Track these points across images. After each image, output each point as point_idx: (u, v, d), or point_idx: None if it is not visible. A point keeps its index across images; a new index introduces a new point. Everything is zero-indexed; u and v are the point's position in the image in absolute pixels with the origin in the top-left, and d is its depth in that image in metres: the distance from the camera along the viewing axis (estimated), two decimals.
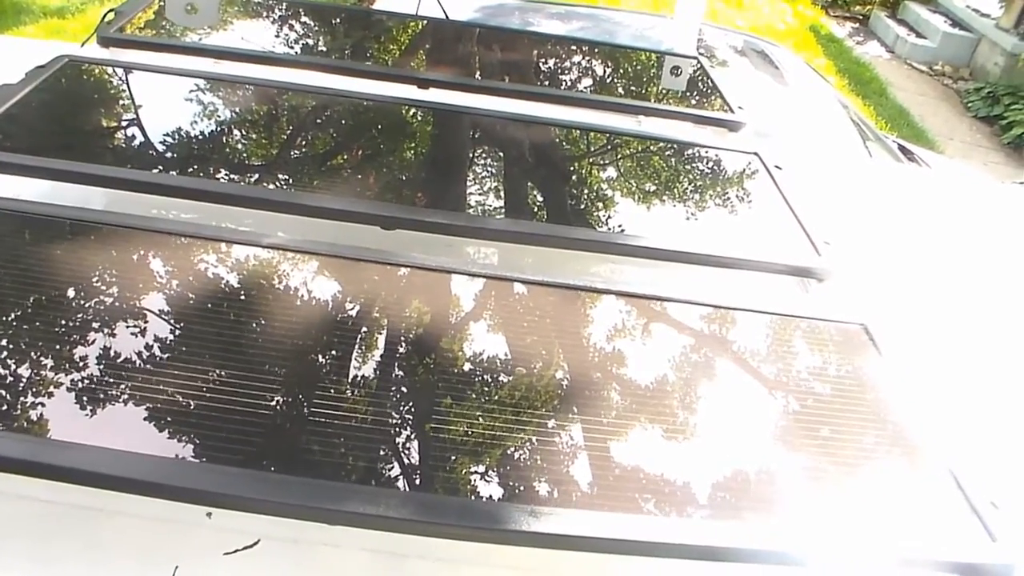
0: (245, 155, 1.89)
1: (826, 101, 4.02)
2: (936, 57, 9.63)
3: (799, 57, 4.67)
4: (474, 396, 1.28)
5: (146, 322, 1.31)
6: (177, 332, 1.32)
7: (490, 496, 1.13)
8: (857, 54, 9.72)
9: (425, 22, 3.05)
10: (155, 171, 1.73)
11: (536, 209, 1.94)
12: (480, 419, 1.24)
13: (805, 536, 1.14)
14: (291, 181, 1.81)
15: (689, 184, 2.08)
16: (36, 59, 1.99)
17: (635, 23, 4.19)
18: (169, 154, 1.81)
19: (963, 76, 9.41)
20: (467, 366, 1.35)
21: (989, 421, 1.57)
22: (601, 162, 2.17)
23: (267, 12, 2.80)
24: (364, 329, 1.40)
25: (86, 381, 1.18)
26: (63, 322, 1.28)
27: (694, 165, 2.16)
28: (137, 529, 1.12)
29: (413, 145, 2.08)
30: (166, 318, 1.33)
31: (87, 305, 1.33)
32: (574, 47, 3.06)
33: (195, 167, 1.78)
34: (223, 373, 1.23)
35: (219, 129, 1.95)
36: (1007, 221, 2.55)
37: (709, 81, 2.71)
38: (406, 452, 1.18)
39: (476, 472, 1.16)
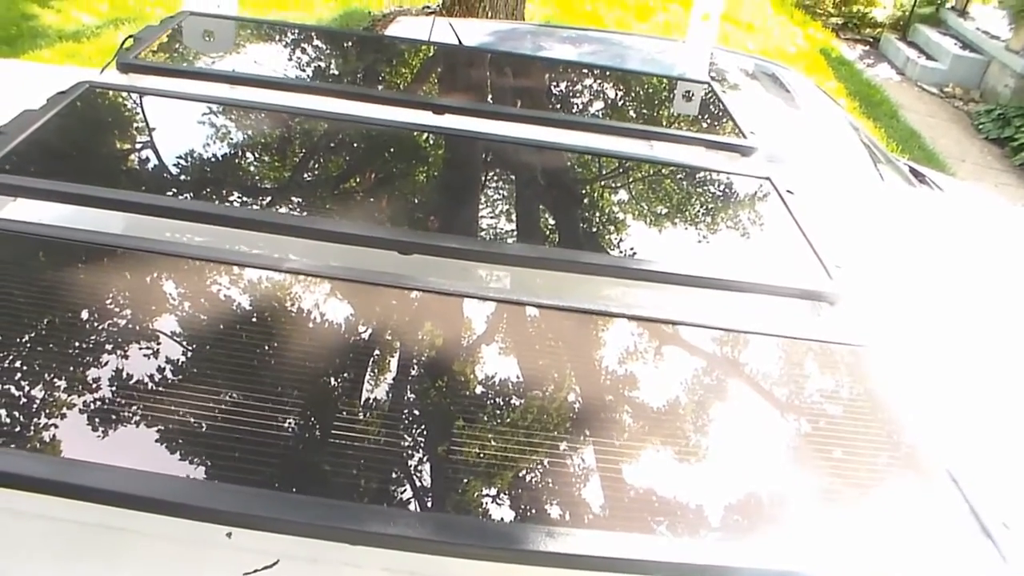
0: (263, 180, 1.91)
1: (837, 124, 4.02)
2: (946, 79, 9.65)
3: (810, 80, 4.69)
4: (490, 418, 1.29)
5: (166, 345, 1.32)
6: (197, 355, 1.33)
7: (508, 516, 1.14)
8: (867, 76, 9.74)
9: (439, 48, 3.08)
10: (175, 196, 1.75)
11: (550, 234, 1.96)
12: (496, 441, 1.25)
13: (816, 559, 1.15)
14: (309, 206, 1.83)
15: (701, 209, 2.09)
16: (56, 85, 2.02)
17: (647, 48, 4.21)
18: (189, 179, 1.83)
19: (973, 98, 9.42)
20: (483, 389, 1.36)
21: (1001, 443, 1.58)
22: (614, 187, 2.18)
23: (283, 39, 2.83)
24: (382, 352, 1.41)
25: (107, 402, 1.19)
26: (84, 344, 1.30)
27: (706, 190, 2.18)
28: (157, 549, 1.13)
29: (429, 171, 2.10)
30: (185, 341, 1.35)
31: (107, 328, 1.34)
32: (586, 72, 3.09)
33: (214, 192, 1.80)
34: (243, 395, 1.24)
35: (237, 154, 1.97)
36: (1020, 243, 2.55)
37: (721, 106, 2.72)
38: (424, 473, 1.19)
39: (493, 493, 1.17)
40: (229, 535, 1.14)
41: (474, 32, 4.04)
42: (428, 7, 8.02)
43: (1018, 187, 7.52)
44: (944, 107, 9.26)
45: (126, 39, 2.43)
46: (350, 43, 3.12)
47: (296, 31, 2.90)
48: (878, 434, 1.40)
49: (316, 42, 2.89)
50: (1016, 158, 7.98)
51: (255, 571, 1.12)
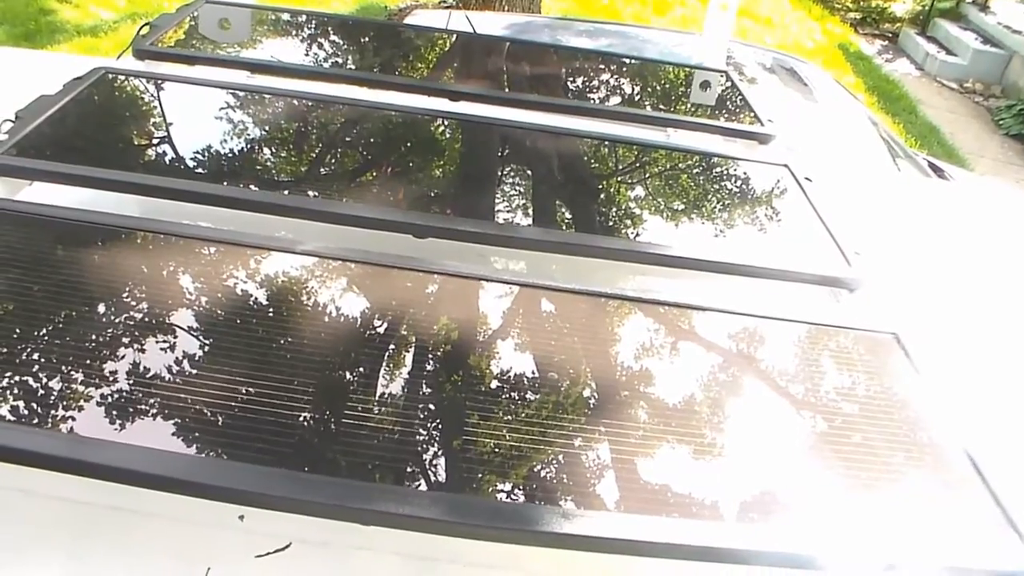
0: (280, 165, 1.91)
1: (856, 118, 4.00)
2: (967, 74, 9.56)
3: (828, 74, 4.66)
4: (505, 400, 1.29)
5: (182, 325, 1.33)
6: (213, 335, 1.33)
7: (521, 498, 1.13)
8: (886, 71, 9.67)
9: (455, 37, 3.07)
10: (191, 180, 1.75)
11: (567, 219, 1.95)
12: (510, 423, 1.24)
13: (839, 544, 1.13)
14: (325, 190, 1.83)
15: (719, 195, 2.08)
16: (73, 73, 2.02)
17: (664, 40, 4.19)
18: (204, 163, 1.83)
19: (994, 93, 9.33)
20: (497, 371, 1.35)
21: (1022, 430, 1.56)
22: (631, 173, 2.17)
23: (299, 27, 2.83)
24: (396, 334, 1.41)
25: (122, 382, 1.20)
26: (101, 324, 1.30)
27: (724, 177, 2.16)
28: (170, 531, 1.13)
29: (445, 156, 2.10)
30: (202, 322, 1.35)
31: (124, 309, 1.35)
32: (603, 61, 3.07)
33: (230, 176, 1.80)
34: (259, 376, 1.24)
35: (254, 139, 1.97)
36: None
37: (738, 94, 2.71)
38: (438, 454, 1.19)
39: (507, 475, 1.16)
40: (241, 518, 1.14)
41: (490, 25, 4.03)
42: (445, 1, 8.00)
43: None
44: (964, 102, 9.18)
45: (142, 26, 2.44)
46: (365, 31, 3.12)
47: (312, 20, 2.90)
48: (900, 421, 1.39)
49: (331, 30, 2.88)
50: None
51: (267, 553, 1.12)
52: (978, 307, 1.96)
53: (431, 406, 1.27)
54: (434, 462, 1.17)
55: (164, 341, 1.29)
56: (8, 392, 1.15)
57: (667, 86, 2.89)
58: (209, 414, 1.17)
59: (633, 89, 2.85)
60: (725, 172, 2.18)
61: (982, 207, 2.80)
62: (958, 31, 10.08)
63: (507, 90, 2.58)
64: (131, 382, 1.20)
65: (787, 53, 4.73)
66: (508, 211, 1.85)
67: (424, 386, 1.31)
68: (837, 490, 1.23)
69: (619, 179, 2.12)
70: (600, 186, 2.08)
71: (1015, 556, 1.15)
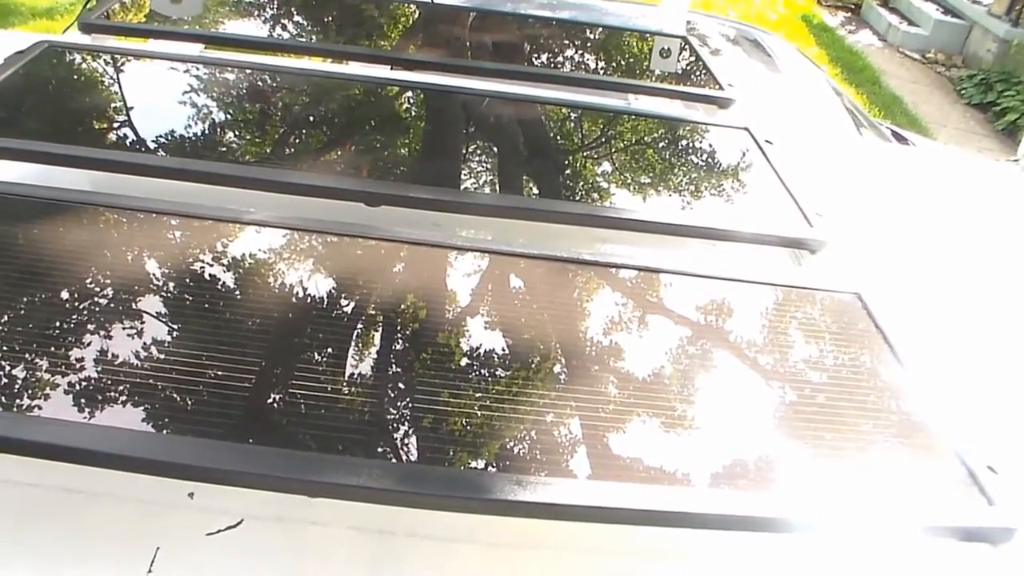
0: (229, 136, 1.87)
1: (819, 88, 3.99)
2: (928, 45, 9.63)
3: (792, 45, 4.65)
4: (461, 368, 1.26)
5: (129, 298, 1.29)
6: (160, 308, 1.30)
7: (476, 466, 1.11)
8: (849, 43, 9.73)
9: (411, 6, 3.03)
10: (137, 152, 1.71)
11: (525, 185, 1.93)
12: (467, 390, 1.22)
13: (802, 502, 1.12)
14: (278, 160, 1.80)
15: (680, 159, 2.06)
16: (15, 48, 1.97)
17: (622, 11, 4.16)
18: (151, 136, 1.79)
19: (956, 63, 9.42)
20: (453, 338, 1.33)
21: (984, 387, 1.55)
22: (590, 139, 2.15)
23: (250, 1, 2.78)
24: (348, 303, 1.38)
25: (64, 357, 1.16)
26: (44, 299, 1.27)
27: (685, 141, 2.15)
28: (118, 511, 1.10)
29: (399, 125, 2.06)
30: (149, 294, 1.32)
31: (67, 283, 1.31)
32: (561, 29, 3.05)
33: (177, 148, 1.76)
34: (207, 348, 1.21)
35: (202, 112, 1.93)
36: (996, 195, 2.54)
37: (698, 60, 2.70)
38: (392, 424, 1.16)
39: (463, 443, 1.14)
40: (191, 495, 1.11)
41: None
42: None
43: (1000, 152, 7.54)
44: (926, 73, 9.25)
45: None
46: (319, 1, 3.07)
47: None
48: (863, 380, 1.38)
49: (286, 0, 2.83)
50: (998, 123, 8.01)
51: (218, 531, 1.09)
52: (939, 268, 1.96)
53: (384, 376, 1.24)
54: (388, 432, 1.15)
55: (108, 315, 1.25)
56: None
57: (626, 52, 2.87)
58: (156, 388, 1.13)
59: (592, 56, 2.84)
60: (686, 136, 2.16)
61: (943, 170, 2.81)
62: (920, 2, 10.15)
63: (463, 58, 2.55)
64: (74, 358, 1.16)
65: (750, 24, 4.71)
66: (464, 178, 1.82)
67: (377, 356, 1.28)
68: (801, 451, 1.22)
69: (578, 145, 2.11)
70: (559, 151, 2.06)
71: (979, 514, 1.15)
